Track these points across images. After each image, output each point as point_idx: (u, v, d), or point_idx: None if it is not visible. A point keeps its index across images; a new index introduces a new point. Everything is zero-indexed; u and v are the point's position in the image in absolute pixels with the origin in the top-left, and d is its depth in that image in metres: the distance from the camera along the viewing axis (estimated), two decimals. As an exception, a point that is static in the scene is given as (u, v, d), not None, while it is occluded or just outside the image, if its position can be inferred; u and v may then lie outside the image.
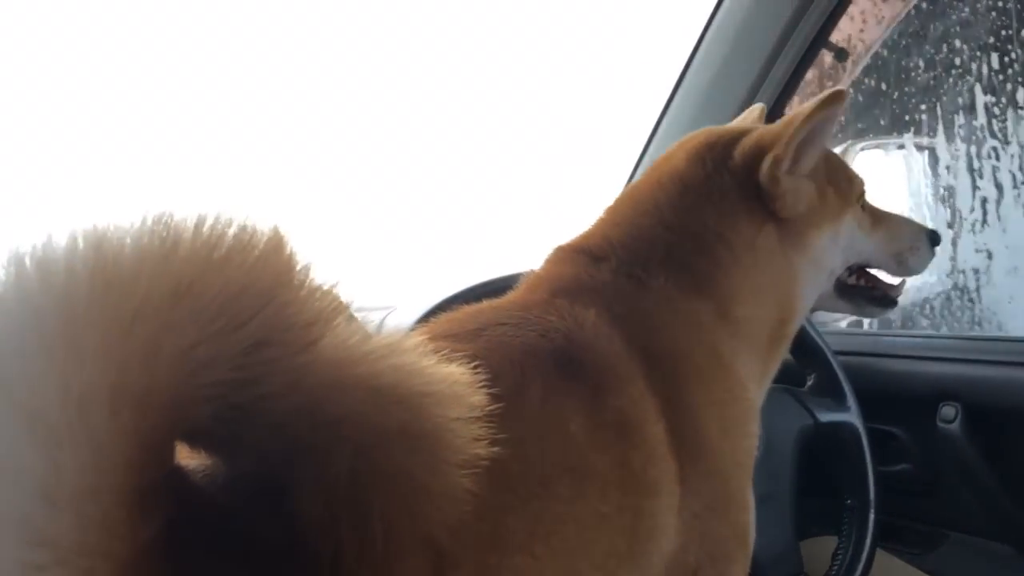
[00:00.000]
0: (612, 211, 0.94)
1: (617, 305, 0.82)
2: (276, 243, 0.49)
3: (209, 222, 0.48)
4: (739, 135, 0.94)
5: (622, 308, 0.82)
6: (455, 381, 0.52)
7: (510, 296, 0.87)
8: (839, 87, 0.93)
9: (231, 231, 0.48)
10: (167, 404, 0.44)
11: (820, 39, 1.57)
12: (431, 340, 0.72)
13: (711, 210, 0.90)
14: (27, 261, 0.44)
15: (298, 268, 0.50)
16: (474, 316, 0.80)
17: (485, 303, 0.85)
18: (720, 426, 0.82)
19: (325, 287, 0.50)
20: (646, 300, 0.84)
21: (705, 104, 1.68)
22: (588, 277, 0.85)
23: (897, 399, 1.41)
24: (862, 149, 1.65)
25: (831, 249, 0.97)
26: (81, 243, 0.45)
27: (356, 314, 1.29)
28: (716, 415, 0.82)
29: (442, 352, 0.54)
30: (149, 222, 0.47)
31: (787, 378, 1.32)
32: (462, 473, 0.52)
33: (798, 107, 0.94)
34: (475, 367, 0.64)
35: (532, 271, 0.92)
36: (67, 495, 0.42)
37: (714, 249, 0.89)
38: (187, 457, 0.51)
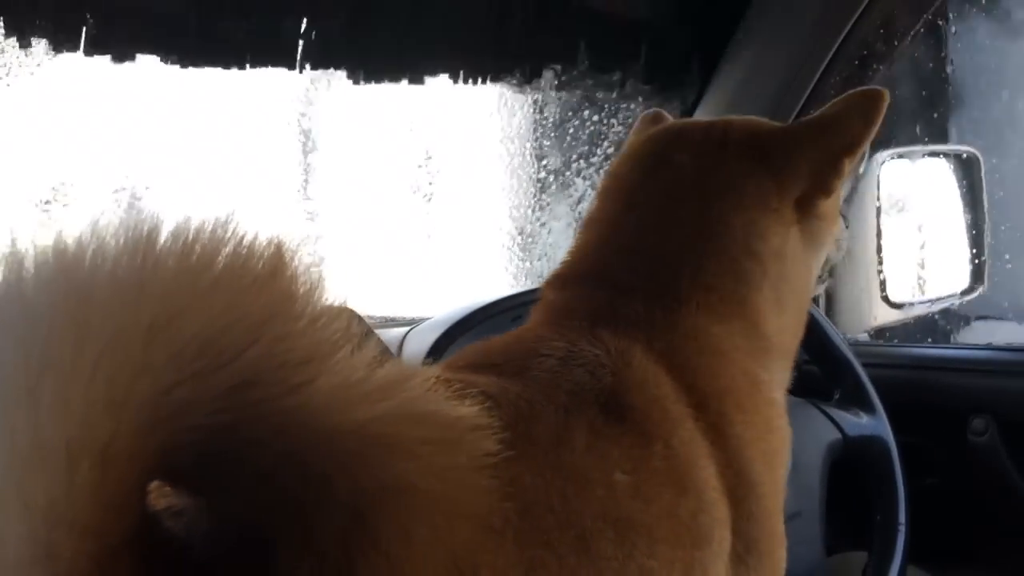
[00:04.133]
0: (617, 230, 0.86)
1: (657, 340, 0.76)
2: (275, 265, 0.43)
3: (198, 239, 0.42)
4: (749, 131, 0.88)
5: (662, 343, 0.76)
6: (466, 426, 0.47)
7: (543, 320, 0.81)
8: (877, 88, 0.87)
9: (225, 251, 0.42)
10: (136, 454, 0.39)
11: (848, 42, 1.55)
12: (473, 371, 0.69)
13: (738, 221, 0.84)
14: None
15: (299, 295, 0.44)
16: (515, 345, 0.76)
17: (522, 329, 0.80)
18: (764, 461, 0.77)
19: (328, 316, 0.44)
20: (683, 332, 0.78)
21: (733, 104, 1.66)
22: (623, 307, 0.79)
23: (926, 412, 1.39)
24: (884, 161, 1.63)
25: (831, 243, 0.95)
26: (43, 270, 0.40)
27: (377, 329, 1.29)
28: (760, 450, 0.77)
29: (455, 390, 0.49)
30: (126, 239, 0.41)
31: (814, 391, 1.30)
32: (476, 529, 0.48)
33: (828, 107, 0.88)
34: (494, 406, 0.58)
35: (550, 289, 0.87)
36: (10, 568, 0.37)
37: (743, 265, 0.83)
38: (167, 495, 0.46)
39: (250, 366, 0.41)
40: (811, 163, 0.86)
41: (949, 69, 2.14)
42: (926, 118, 2.08)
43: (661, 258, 0.82)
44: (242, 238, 0.43)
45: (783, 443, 0.83)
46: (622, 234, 0.85)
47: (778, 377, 0.87)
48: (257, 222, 0.44)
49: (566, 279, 0.85)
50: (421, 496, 0.44)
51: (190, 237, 0.42)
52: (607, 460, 0.65)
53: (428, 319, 1.32)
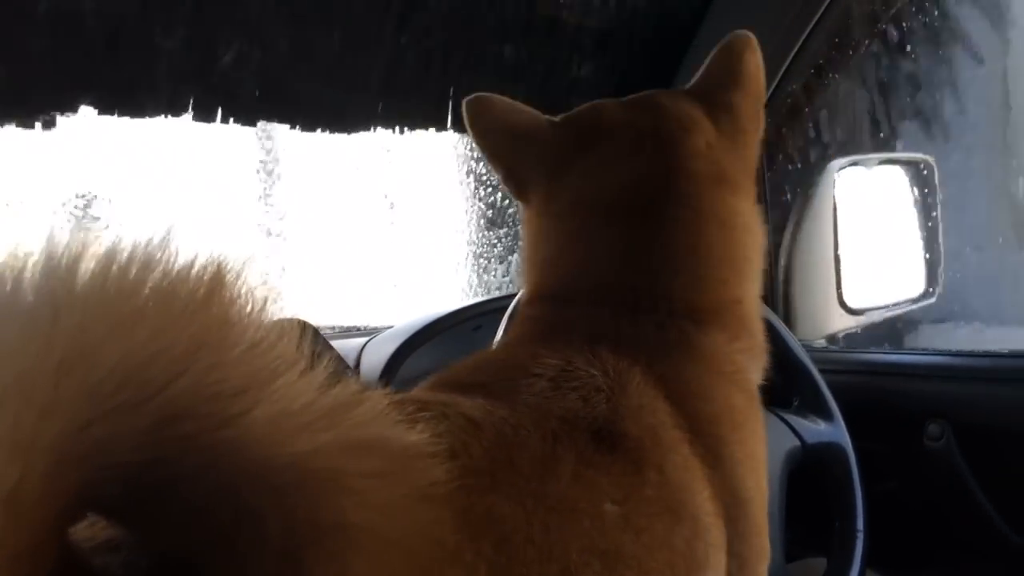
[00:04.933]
0: (609, 245, 0.81)
1: (659, 363, 0.73)
2: (211, 290, 0.40)
3: (124, 263, 0.39)
4: (699, 109, 0.83)
5: (663, 366, 0.73)
6: (411, 455, 0.44)
7: (536, 335, 0.77)
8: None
9: (153, 276, 0.39)
10: (48, 497, 0.36)
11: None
12: (459, 391, 0.66)
13: (726, 213, 0.80)
14: None
15: (235, 321, 0.41)
16: (506, 363, 0.73)
17: (514, 344, 0.77)
18: (755, 476, 0.76)
19: (270, 341, 0.41)
20: (685, 352, 0.75)
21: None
22: (627, 326, 0.75)
23: (883, 417, 1.40)
24: (840, 168, 1.65)
25: None
26: None
27: (335, 340, 1.27)
28: (752, 467, 0.75)
29: (408, 415, 0.47)
30: (43, 267, 0.38)
31: (773, 398, 1.31)
32: (433, 563, 0.45)
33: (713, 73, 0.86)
34: (475, 430, 0.58)
35: (528, 297, 0.84)
36: None
37: (739, 263, 0.80)
38: (104, 528, 0.43)
39: (178, 399, 0.38)
40: (748, 119, 0.85)
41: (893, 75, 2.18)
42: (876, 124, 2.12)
43: (661, 273, 0.78)
44: (174, 261, 0.40)
45: (764, 452, 0.81)
46: (616, 249, 0.80)
47: (756, 375, 0.85)
48: (200, 240, 0.41)
49: (557, 295, 0.80)
50: (360, 533, 0.41)
51: (115, 262, 0.39)
52: (596, 490, 0.62)
53: (388, 328, 1.31)
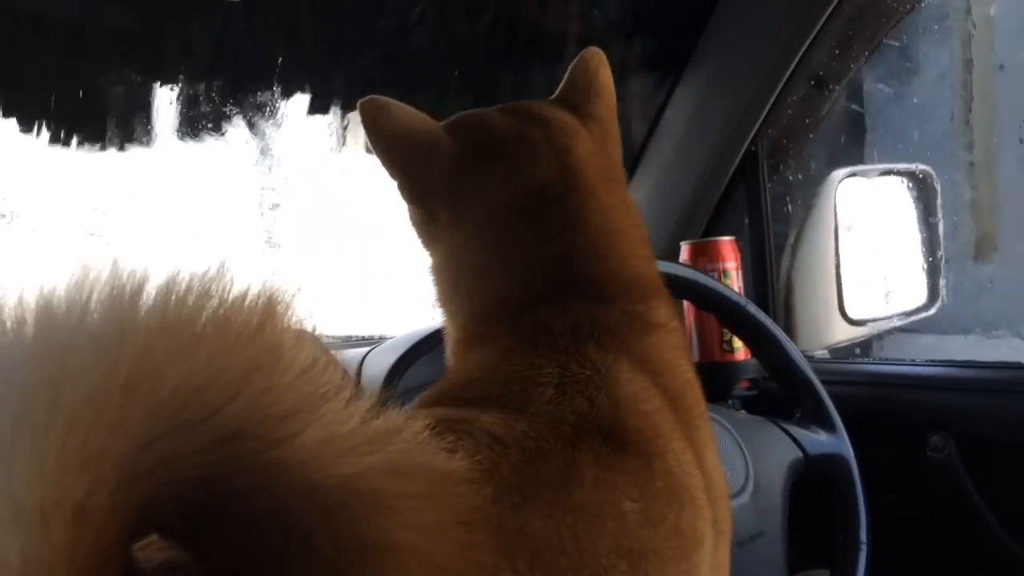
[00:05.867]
0: (559, 242, 0.81)
1: (636, 348, 0.76)
2: (263, 319, 0.43)
3: (182, 294, 0.42)
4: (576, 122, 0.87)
5: (640, 351, 0.76)
6: (453, 480, 0.47)
7: (521, 344, 0.77)
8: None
9: (210, 306, 0.42)
10: (114, 510, 0.39)
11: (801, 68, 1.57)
12: (476, 407, 0.68)
13: (630, 201, 0.87)
14: None
15: (286, 348, 0.43)
16: (509, 374, 0.73)
17: (503, 353, 0.76)
18: (714, 450, 0.79)
19: (320, 367, 0.44)
20: (645, 332, 0.78)
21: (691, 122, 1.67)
22: (601, 318, 0.77)
23: (886, 429, 1.40)
24: (841, 179, 1.65)
25: None
26: (22, 328, 0.40)
27: (336, 351, 1.27)
28: (712, 443, 0.79)
29: (448, 440, 0.49)
30: (108, 296, 0.41)
31: (775, 410, 1.31)
32: None
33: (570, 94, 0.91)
34: (502, 449, 0.60)
35: (476, 313, 0.83)
36: None
37: (645, 246, 0.85)
38: (164, 550, 0.45)
39: (232, 419, 0.41)
40: (609, 126, 0.90)
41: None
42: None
43: (600, 260, 0.80)
44: (229, 291, 0.43)
45: None
46: (550, 247, 0.80)
47: None
48: (250, 273, 0.44)
49: (511, 305, 0.80)
50: (403, 553, 0.43)
51: (174, 293, 0.42)
52: (616, 491, 0.65)
53: (389, 339, 1.31)
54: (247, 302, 0.43)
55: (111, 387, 0.39)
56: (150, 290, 0.42)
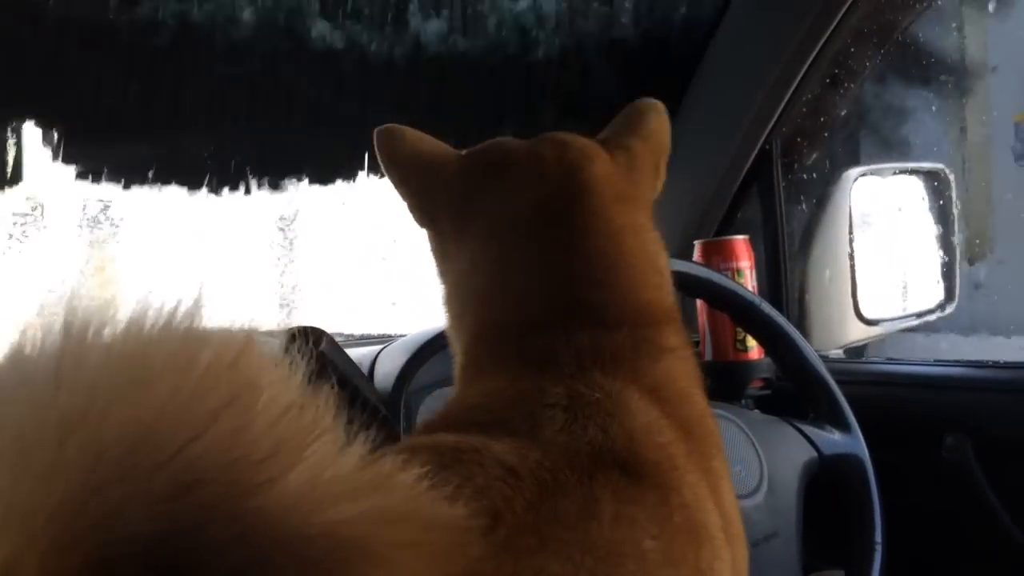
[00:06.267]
0: (563, 267, 0.79)
1: (643, 376, 0.72)
2: (237, 354, 0.39)
3: (146, 321, 0.38)
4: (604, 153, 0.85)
5: (649, 379, 0.72)
6: (450, 528, 0.43)
7: (526, 368, 0.74)
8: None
9: (173, 337, 0.38)
10: (52, 573, 0.33)
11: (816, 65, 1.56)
12: (484, 433, 0.64)
13: (650, 230, 0.83)
14: None
15: (263, 384, 0.39)
16: (514, 397, 0.70)
17: (508, 379, 0.74)
18: (729, 484, 0.75)
19: (305, 405, 0.39)
20: (654, 359, 0.74)
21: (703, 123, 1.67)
22: (607, 345, 0.73)
23: (901, 429, 1.39)
24: (856, 178, 1.64)
25: None
26: None
27: (349, 349, 1.27)
28: (727, 475, 0.75)
29: (458, 470, 0.46)
30: (56, 327, 0.37)
31: (789, 409, 1.30)
32: None
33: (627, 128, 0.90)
34: (516, 481, 0.57)
35: (480, 332, 0.81)
36: None
37: (657, 272, 0.81)
38: None
39: (195, 463, 0.36)
40: (643, 162, 0.87)
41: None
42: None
43: (605, 285, 0.77)
44: (198, 324, 0.39)
45: None
46: (552, 268, 0.78)
47: None
48: (232, 305, 0.41)
49: (512, 325, 0.77)
50: None
51: (134, 325, 0.38)
52: (635, 527, 0.60)
53: (401, 337, 1.31)
54: (218, 337, 0.39)
55: (45, 426, 0.34)
56: (106, 322, 0.38)
